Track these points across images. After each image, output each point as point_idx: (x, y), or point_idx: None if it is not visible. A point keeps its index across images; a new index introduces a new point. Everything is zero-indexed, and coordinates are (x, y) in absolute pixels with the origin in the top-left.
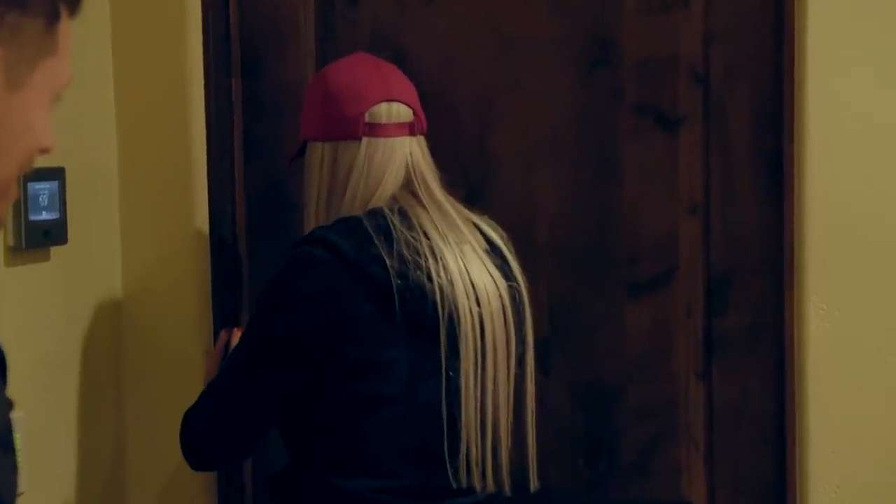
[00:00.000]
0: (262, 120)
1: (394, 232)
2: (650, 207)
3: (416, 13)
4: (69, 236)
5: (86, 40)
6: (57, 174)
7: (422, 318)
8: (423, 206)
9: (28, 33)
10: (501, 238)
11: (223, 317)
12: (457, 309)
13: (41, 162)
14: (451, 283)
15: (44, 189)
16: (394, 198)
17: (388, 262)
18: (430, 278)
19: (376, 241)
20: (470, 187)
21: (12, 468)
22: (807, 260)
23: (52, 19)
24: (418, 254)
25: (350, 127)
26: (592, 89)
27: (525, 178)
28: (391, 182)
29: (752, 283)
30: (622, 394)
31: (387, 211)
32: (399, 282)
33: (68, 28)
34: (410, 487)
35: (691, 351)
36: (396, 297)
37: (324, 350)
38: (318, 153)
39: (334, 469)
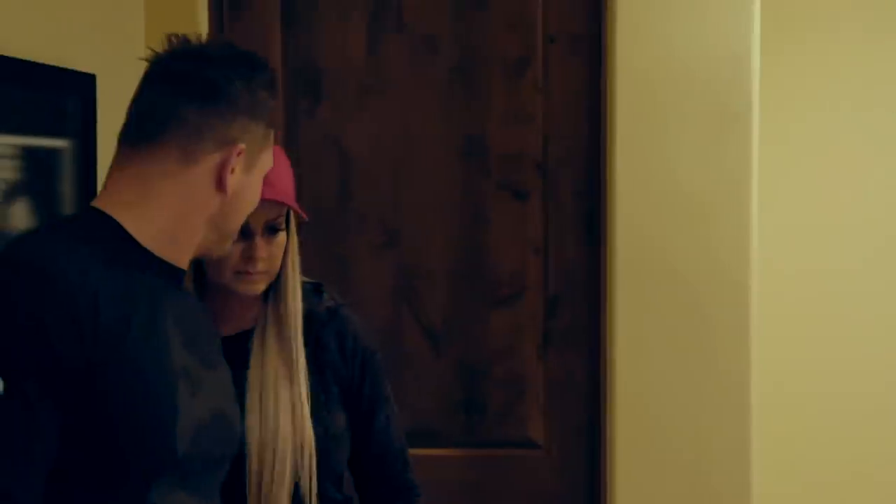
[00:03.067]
0: None
1: None
2: (508, 250)
3: (354, 119)
4: None
5: None
6: None
7: None
8: None
9: (257, 133)
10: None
11: None
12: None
13: None
14: None
15: None
16: None
17: None
18: None
19: None
20: (388, 234)
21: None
22: (615, 284)
23: (270, 125)
24: None
25: None
26: (469, 171)
27: (424, 227)
28: None
29: (577, 299)
30: (490, 370)
31: None
32: None
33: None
34: None
35: (535, 343)
36: None
37: None
38: None
39: None
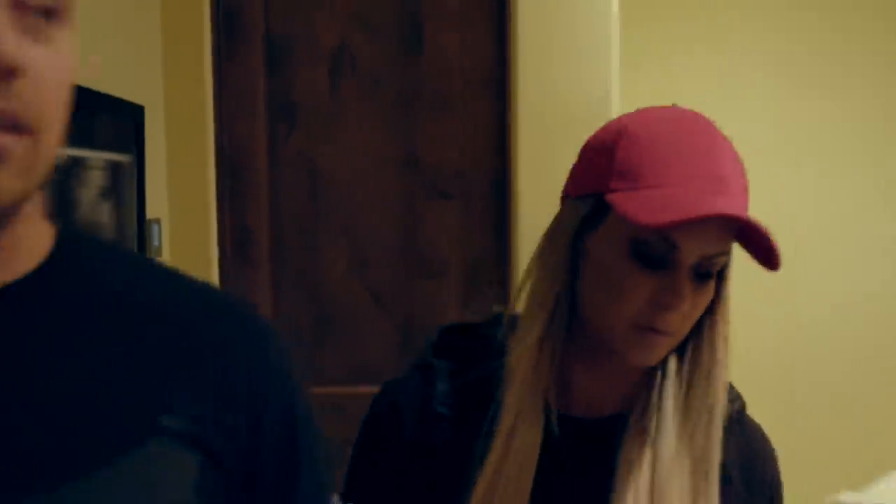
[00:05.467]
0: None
1: None
2: (437, 241)
3: (321, 141)
4: None
5: None
6: None
7: None
8: None
9: None
10: None
11: None
12: None
13: None
14: None
15: None
16: None
17: None
18: None
19: None
20: (345, 226)
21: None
22: (518, 265)
23: None
24: None
25: None
26: (407, 179)
27: (374, 220)
28: None
29: (489, 275)
30: (421, 325)
31: None
32: None
33: None
34: None
35: (455, 305)
36: None
37: None
38: None
39: None
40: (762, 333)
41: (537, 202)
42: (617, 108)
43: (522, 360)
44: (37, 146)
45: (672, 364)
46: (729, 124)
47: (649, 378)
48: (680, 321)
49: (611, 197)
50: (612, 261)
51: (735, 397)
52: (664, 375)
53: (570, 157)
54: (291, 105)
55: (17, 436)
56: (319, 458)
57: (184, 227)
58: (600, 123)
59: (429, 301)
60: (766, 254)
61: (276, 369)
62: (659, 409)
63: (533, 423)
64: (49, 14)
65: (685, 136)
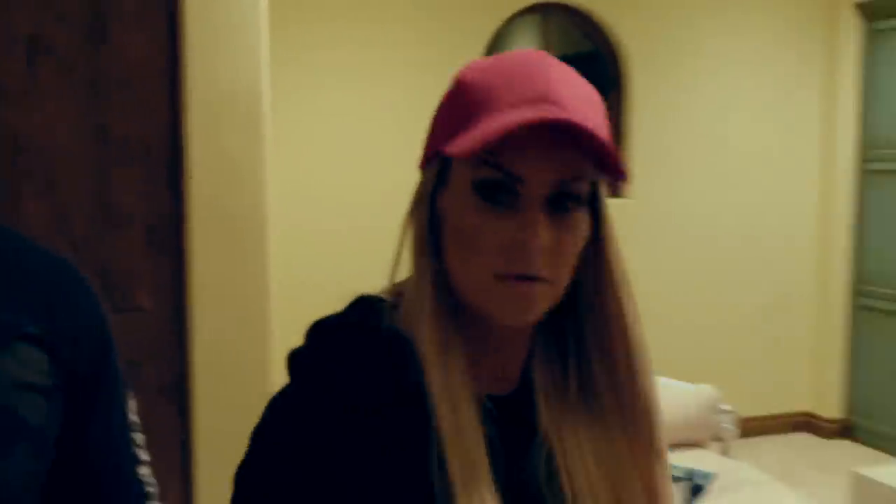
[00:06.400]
0: None
1: None
2: (125, 200)
3: (27, 117)
4: None
5: None
6: None
7: None
8: None
9: None
10: None
11: None
12: None
13: None
14: None
15: None
16: None
17: None
18: None
19: None
20: (54, 192)
21: None
22: (193, 226)
23: None
24: None
25: None
26: (101, 148)
27: (76, 185)
28: None
29: (166, 232)
30: (115, 278)
31: None
32: None
33: None
34: None
35: (140, 259)
36: None
37: None
38: None
39: None
40: None
41: (208, 169)
42: (267, 92)
43: (430, 342)
44: None
45: (568, 324)
46: (363, 110)
47: (545, 340)
48: (545, 262)
49: (446, 147)
50: (462, 212)
51: None
52: (559, 334)
53: (232, 133)
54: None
55: None
56: (118, 368)
57: None
58: (254, 104)
59: (118, 249)
60: (612, 166)
61: (92, 296)
62: (564, 372)
63: (466, 408)
64: None
65: (517, 67)
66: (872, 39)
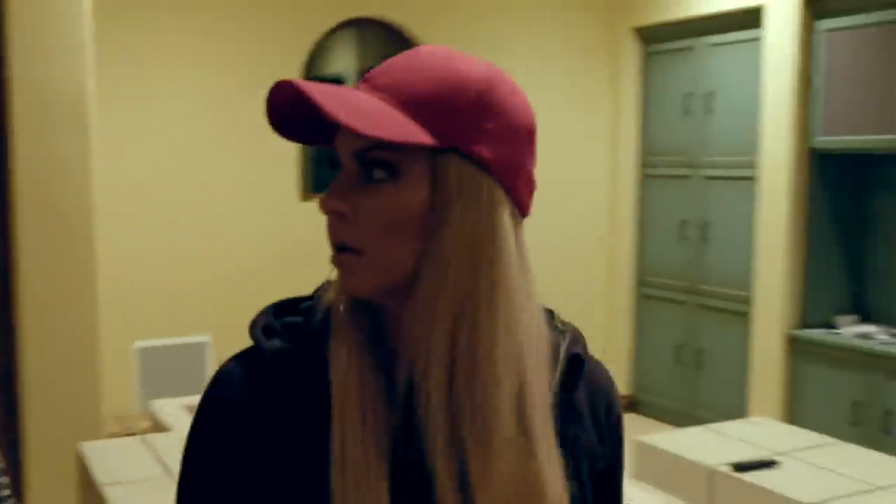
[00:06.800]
0: None
1: None
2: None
3: None
4: None
5: None
6: None
7: None
8: None
9: None
10: None
11: None
12: None
13: None
14: None
15: None
16: None
17: None
18: None
19: None
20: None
21: None
22: (17, 216)
23: None
24: None
25: None
26: None
27: None
28: None
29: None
30: None
31: None
32: None
33: None
34: None
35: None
36: None
37: None
38: None
39: None
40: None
41: (34, 167)
42: (93, 90)
43: (340, 316)
44: None
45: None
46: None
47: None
48: (346, 231)
49: None
50: None
51: (569, 331)
52: (409, 309)
53: (58, 131)
54: None
55: None
56: None
57: None
58: (80, 103)
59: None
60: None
61: None
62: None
63: (368, 382)
64: None
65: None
66: (648, 60)
